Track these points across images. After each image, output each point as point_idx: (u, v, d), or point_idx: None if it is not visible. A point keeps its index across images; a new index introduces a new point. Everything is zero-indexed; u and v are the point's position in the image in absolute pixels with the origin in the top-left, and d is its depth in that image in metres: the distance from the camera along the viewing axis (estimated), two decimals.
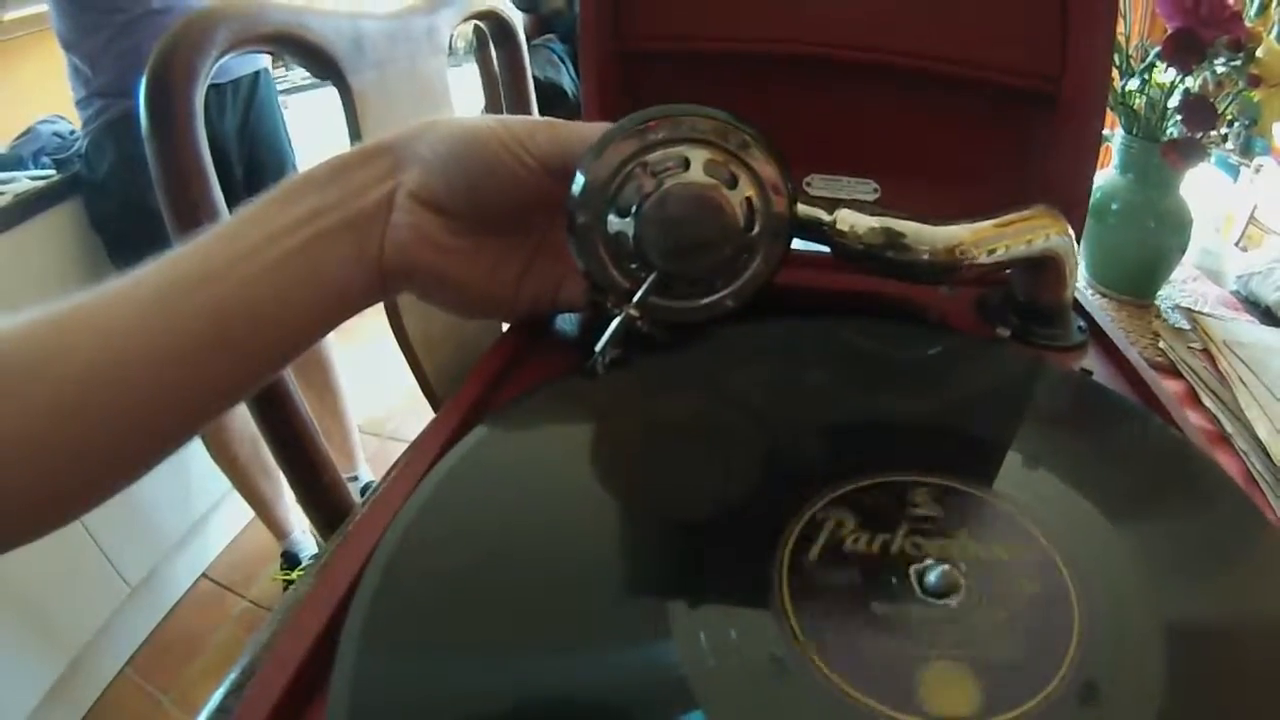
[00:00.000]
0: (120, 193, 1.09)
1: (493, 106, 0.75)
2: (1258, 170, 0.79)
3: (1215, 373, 0.52)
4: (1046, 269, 0.36)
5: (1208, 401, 0.49)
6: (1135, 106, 0.58)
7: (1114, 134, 0.61)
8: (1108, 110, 0.49)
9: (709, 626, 0.21)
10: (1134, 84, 0.58)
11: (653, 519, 0.26)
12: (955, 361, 0.35)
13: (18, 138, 1.36)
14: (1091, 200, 0.42)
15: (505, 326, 0.38)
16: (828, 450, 0.29)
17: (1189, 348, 0.55)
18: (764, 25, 0.41)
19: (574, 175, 0.30)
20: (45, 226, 1.13)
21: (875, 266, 0.33)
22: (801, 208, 0.33)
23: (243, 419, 1.18)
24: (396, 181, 0.30)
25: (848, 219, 0.33)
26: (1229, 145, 0.59)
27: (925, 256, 0.32)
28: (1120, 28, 0.54)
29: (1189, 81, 0.54)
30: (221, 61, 0.42)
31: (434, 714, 0.19)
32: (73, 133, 1.33)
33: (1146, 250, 0.61)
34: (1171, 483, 0.28)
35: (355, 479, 1.47)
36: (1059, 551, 0.23)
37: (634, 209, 0.30)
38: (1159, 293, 0.64)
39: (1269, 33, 0.52)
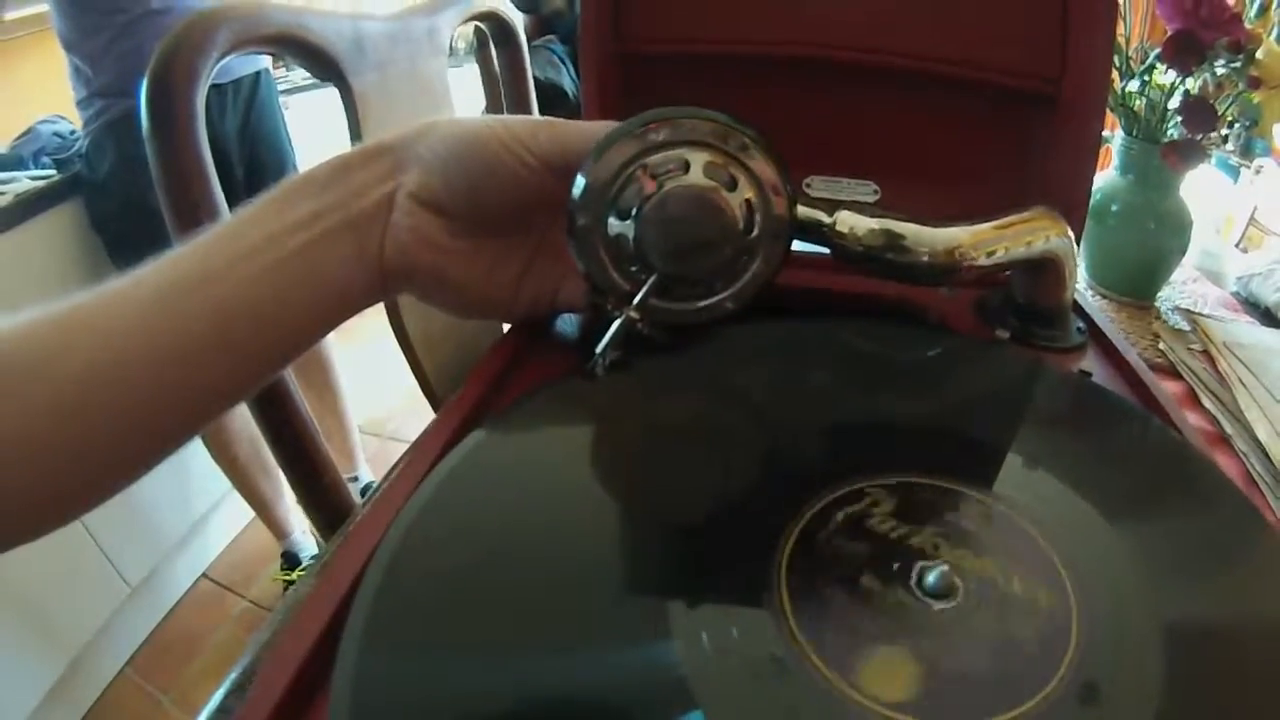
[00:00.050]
0: (121, 193, 1.09)
1: (493, 107, 0.75)
2: (1258, 172, 0.79)
3: (1215, 374, 0.52)
4: (1046, 271, 0.36)
5: (1207, 403, 0.49)
6: (1135, 108, 0.58)
7: (1114, 135, 0.61)
8: (1108, 112, 0.49)
9: (708, 626, 0.21)
10: (1134, 85, 0.58)
11: (653, 519, 0.26)
12: (954, 363, 0.35)
13: (18, 138, 1.36)
14: (1091, 202, 0.42)
15: (506, 327, 0.38)
16: (827, 452, 0.29)
17: (1189, 349, 0.55)
18: (764, 27, 0.42)
19: (574, 177, 0.30)
20: (46, 227, 1.13)
21: (875, 268, 0.33)
22: (801, 209, 0.33)
23: (243, 419, 1.19)
24: (397, 182, 0.30)
25: (847, 221, 0.33)
26: (1229, 147, 0.59)
27: (925, 258, 0.32)
28: (1120, 29, 0.54)
29: (1189, 83, 0.54)
30: (222, 62, 0.42)
31: (435, 714, 0.19)
32: (73, 133, 1.33)
33: (1146, 252, 0.61)
34: (1170, 484, 0.28)
35: (356, 479, 1.47)
36: (1058, 553, 0.23)
37: (634, 211, 0.30)
38: (1159, 294, 0.64)
39: (1269, 34, 0.52)
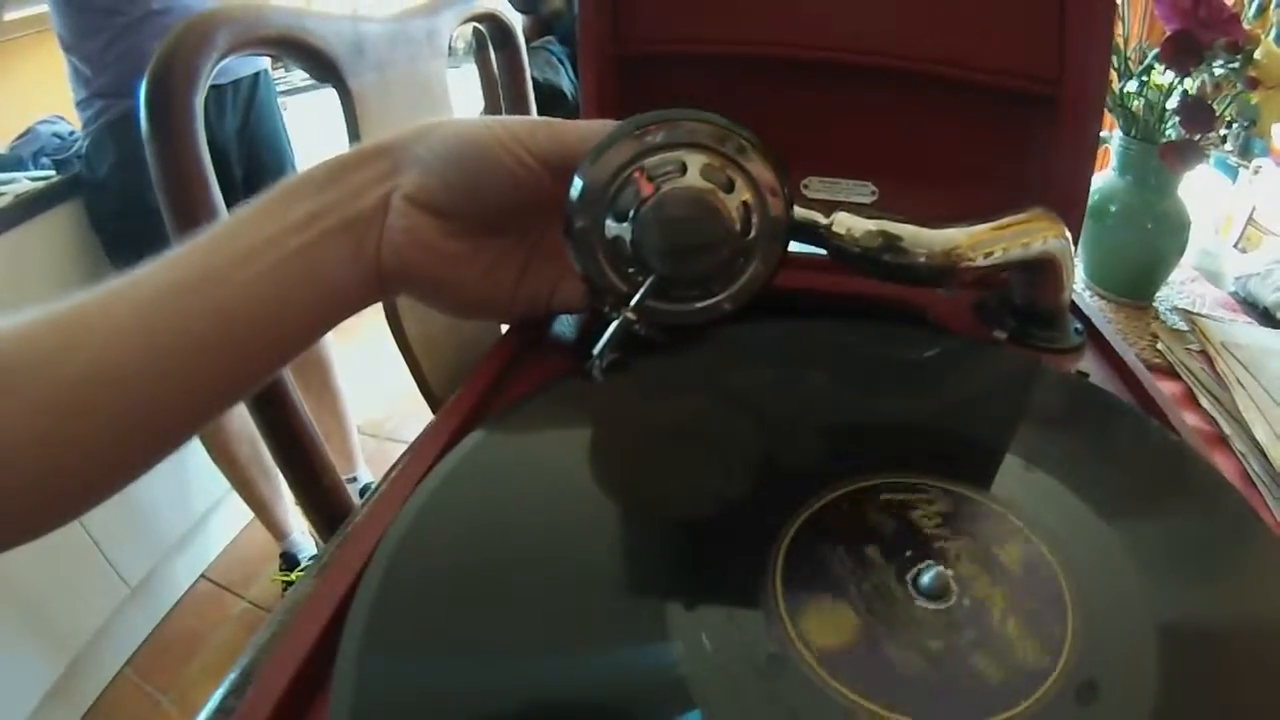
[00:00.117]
0: (120, 193, 1.09)
1: (492, 108, 0.75)
2: (1256, 172, 0.79)
3: (1213, 374, 0.52)
4: (1043, 272, 0.36)
5: (1205, 403, 0.49)
6: (1134, 108, 0.58)
7: (1112, 136, 0.61)
8: (1106, 112, 0.49)
9: (706, 626, 0.21)
10: (1132, 86, 0.58)
11: (650, 520, 0.26)
12: (952, 364, 0.35)
13: (17, 138, 1.36)
14: (1090, 202, 0.42)
15: (504, 329, 0.38)
16: (824, 452, 0.29)
17: (1187, 349, 0.55)
18: (762, 29, 0.42)
19: (572, 179, 0.30)
20: (45, 227, 1.13)
21: (872, 269, 0.33)
22: (798, 211, 0.33)
23: (241, 419, 1.18)
24: (393, 184, 0.30)
25: (844, 222, 0.33)
26: (1227, 147, 0.59)
27: (922, 259, 0.32)
28: (1118, 29, 0.55)
29: (1187, 83, 0.54)
30: (222, 63, 0.42)
31: (434, 714, 0.19)
32: (72, 133, 1.33)
33: (1145, 252, 0.61)
34: (1167, 485, 0.28)
35: (354, 480, 1.47)
36: (1054, 553, 0.23)
37: (631, 213, 0.31)
38: (1157, 294, 0.64)
39: (1267, 35, 0.52)
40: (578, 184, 0.30)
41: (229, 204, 0.41)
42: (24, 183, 1.19)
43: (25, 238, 1.10)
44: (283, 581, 1.39)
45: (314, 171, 0.30)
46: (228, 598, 1.44)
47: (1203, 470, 0.27)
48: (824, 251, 0.34)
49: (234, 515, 1.54)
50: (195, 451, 1.27)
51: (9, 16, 1.52)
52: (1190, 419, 0.48)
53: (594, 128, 0.31)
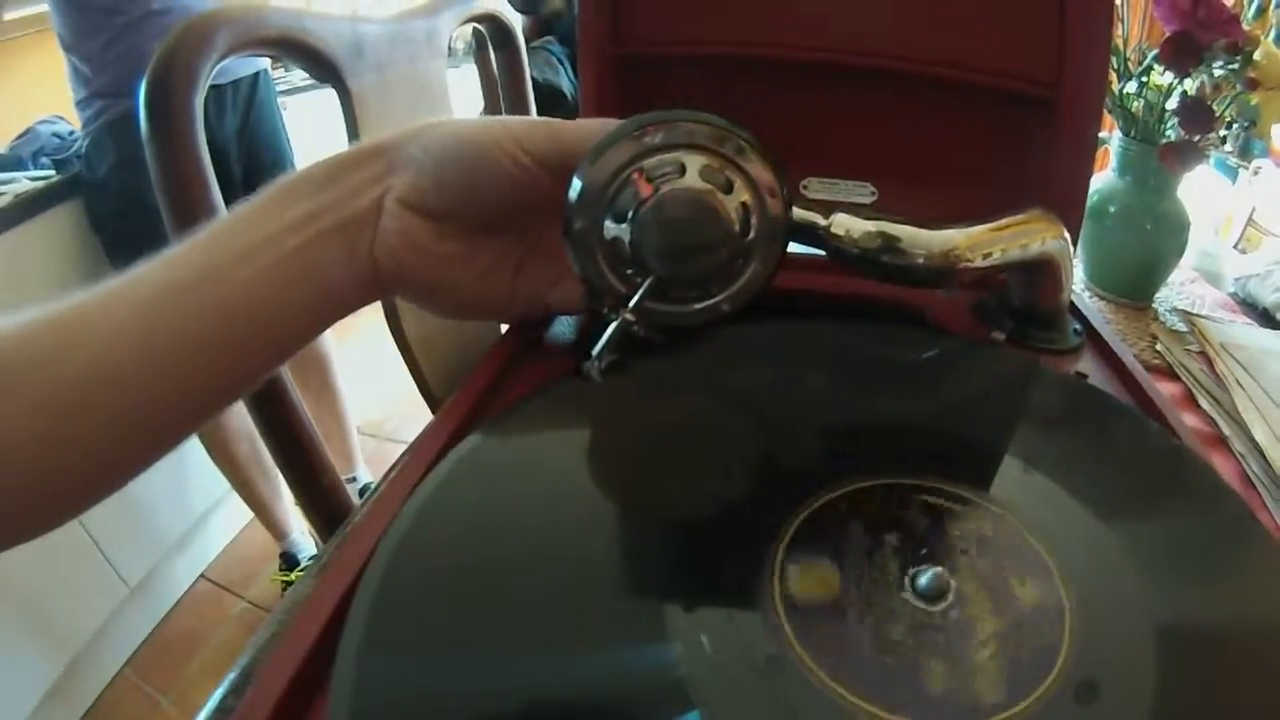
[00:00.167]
0: (120, 193, 1.09)
1: (491, 108, 0.75)
2: (1256, 172, 0.79)
3: (1212, 375, 0.52)
4: (1042, 273, 0.36)
5: (1205, 404, 0.49)
6: (1133, 109, 0.58)
7: (1112, 136, 0.61)
8: (1105, 113, 0.49)
9: (705, 628, 0.21)
10: (1132, 87, 0.58)
11: (649, 521, 0.26)
12: (950, 365, 0.35)
13: (17, 138, 1.36)
14: (1089, 203, 0.42)
15: (503, 329, 0.38)
16: (823, 453, 0.29)
17: (1186, 350, 0.55)
18: (761, 30, 0.42)
19: (571, 180, 0.30)
20: (45, 227, 1.13)
21: (871, 270, 0.33)
22: (797, 212, 0.33)
23: (241, 418, 1.18)
24: (386, 186, 0.30)
25: (843, 223, 0.33)
26: (1227, 147, 0.59)
27: (920, 261, 0.32)
28: (1118, 30, 0.55)
29: (1187, 84, 0.54)
30: (222, 63, 0.42)
31: (433, 714, 0.19)
32: (72, 133, 1.33)
33: (1144, 253, 0.61)
34: (1165, 486, 0.28)
35: (354, 480, 1.47)
36: (1051, 555, 0.23)
37: (630, 214, 0.31)
38: (1157, 295, 0.64)
39: (1266, 36, 0.52)
40: (576, 185, 0.30)
41: (229, 204, 0.41)
42: (24, 182, 1.19)
43: (25, 238, 1.10)
44: (282, 581, 1.39)
45: (314, 170, 0.30)
46: (227, 598, 1.44)
47: (1201, 472, 0.27)
48: (823, 252, 0.34)
49: (234, 515, 1.54)
50: (195, 451, 1.27)
51: (9, 16, 1.52)
52: (1189, 420, 0.48)
53: (593, 128, 0.31)
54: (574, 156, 0.30)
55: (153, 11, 1.04)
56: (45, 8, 1.09)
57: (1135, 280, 0.63)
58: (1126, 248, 0.62)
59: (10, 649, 1.06)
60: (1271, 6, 0.58)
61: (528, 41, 0.83)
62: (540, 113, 0.77)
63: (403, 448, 0.31)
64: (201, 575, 1.48)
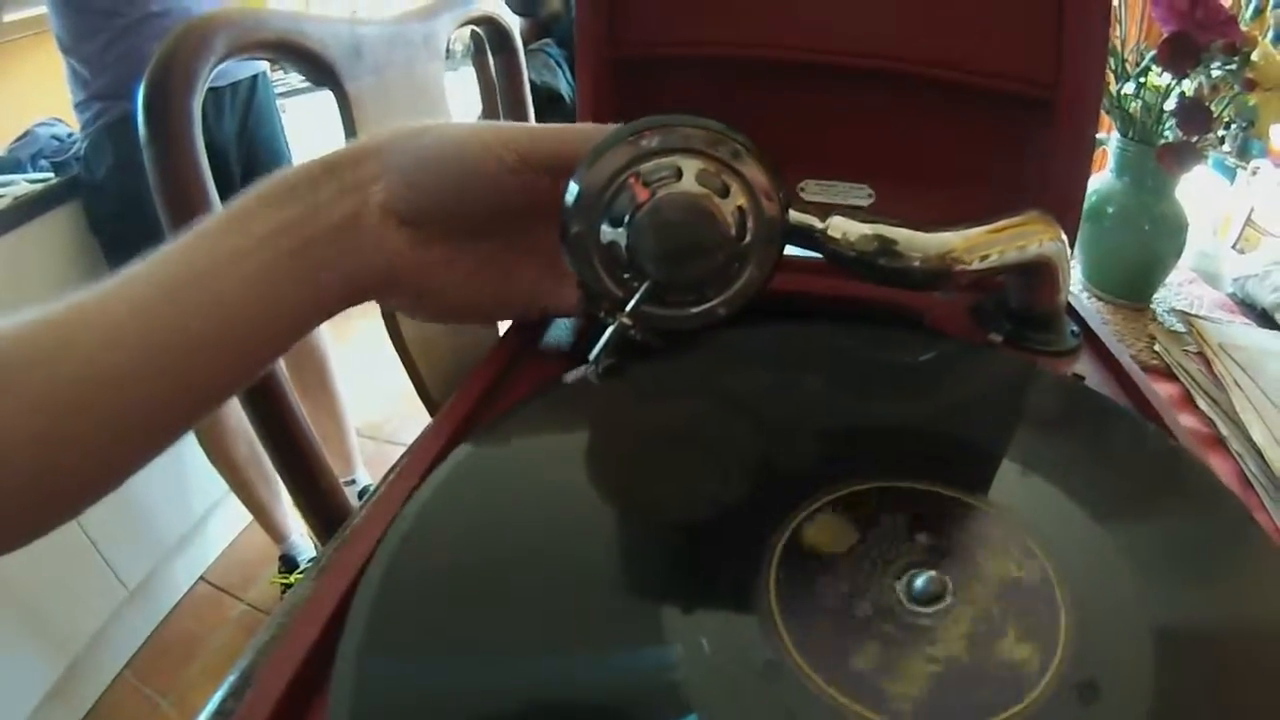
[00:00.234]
0: (118, 195, 1.09)
1: (489, 111, 0.75)
2: (1254, 173, 0.79)
3: (1211, 376, 0.52)
4: (1039, 275, 0.36)
5: (1203, 405, 0.49)
6: (1131, 110, 0.58)
7: (1109, 137, 0.61)
8: (1103, 114, 0.49)
9: (702, 631, 0.21)
10: (1130, 88, 0.58)
11: (646, 524, 0.26)
12: (947, 367, 0.35)
13: (16, 140, 1.36)
14: (1087, 203, 0.42)
15: (502, 330, 0.38)
16: (820, 456, 0.29)
17: (1184, 351, 0.55)
18: (759, 31, 0.42)
19: (567, 184, 0.30)
20: (43, 229, 1.13)
21: (868, 273, 0.33)
22: (794, 215, 0.33)
23: (238, 418, 1.19)
24: (369, 191, 0.30)
25: (840, 226, 0.33)
26: (1225, 148, 0.59)
27: (917, 263, 0.32)
28: (1116, 31, 0.55)
29: (1184, 85, 0.55)
30: (220, 65, 0.42)
31: (433, 716, 0.19)
32: (71, 135, 1.33)
33: (1142, 253, 0.61)
34: (1162, 488, 0.28)
35: (353, 482, 1.47)
36: (1048, 557, 0.23)
37: (627, 218, 0.31)
38: (1155, 296, 0.64)
39: (1264, 36, 0.52)
40: (573, 189, 0.30)
41: None
42: (22, 185, 1.19)
43: (24, 240, 1.10)
44: (281, 584, 1.40)
45: (312, 168, 0.30)
46: (226, 600, 1.44)
47: (1198, 473, 0.27)
48: (820, 255, 0.34)
49: (233, 517, 1.54)
50: (194, 453, 1.27)
51: (8, 18, 1.52)
52: (1188, 420, 0.48)
53: (590, 131, 0.31)
54: (571, 160, 0.30)
55: (151, 14, 1.04)
56: (44, 10, 1.09)
57: (1133, 281, 0.63)
58: (1124, 248, 0.62)
59: (10, 651, 1.06)
60: (1269, 7, 0.58)
61: (526, 44, 0.83)
62: (538, 115, 0.78)
63: (401, 450, 0.31)
64: (201, 577, 1.48)
